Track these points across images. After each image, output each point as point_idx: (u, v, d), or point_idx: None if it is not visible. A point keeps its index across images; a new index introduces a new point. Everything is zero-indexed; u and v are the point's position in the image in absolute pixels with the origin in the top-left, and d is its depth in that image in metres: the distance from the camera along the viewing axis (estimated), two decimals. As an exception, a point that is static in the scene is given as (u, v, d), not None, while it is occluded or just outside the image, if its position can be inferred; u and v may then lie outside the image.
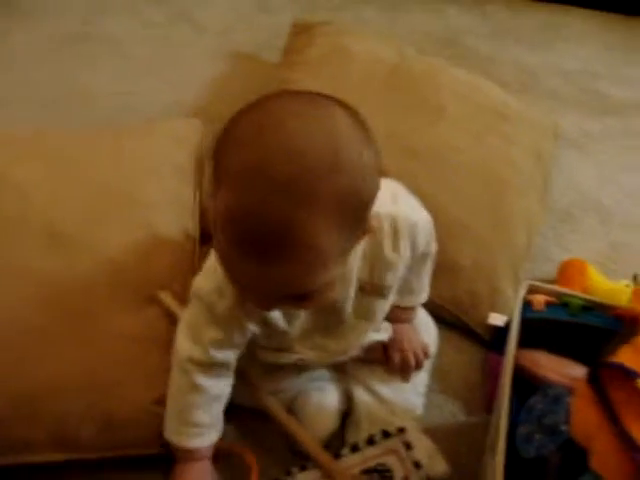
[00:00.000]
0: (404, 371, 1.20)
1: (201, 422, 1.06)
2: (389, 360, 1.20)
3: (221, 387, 1.07)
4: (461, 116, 1.56)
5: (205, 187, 1.42)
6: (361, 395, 1.19)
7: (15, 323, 1.14)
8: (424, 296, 1.21)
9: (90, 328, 1.15)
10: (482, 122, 1.57)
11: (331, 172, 0.74)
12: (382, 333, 1.17)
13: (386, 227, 0.98)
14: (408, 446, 1.10)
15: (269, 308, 0.92)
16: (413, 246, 1.03)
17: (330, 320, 1.07)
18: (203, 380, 1.04)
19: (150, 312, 1.19)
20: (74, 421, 1.09)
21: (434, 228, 1.11)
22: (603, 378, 0.87)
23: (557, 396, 0.95)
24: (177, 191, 1.37)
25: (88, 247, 1.23)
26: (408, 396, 1.20)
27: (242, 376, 1.13)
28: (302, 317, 1.03)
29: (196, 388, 1.04)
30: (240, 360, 1.10)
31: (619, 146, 1.81)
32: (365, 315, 1.08)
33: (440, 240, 1.15)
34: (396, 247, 1.00)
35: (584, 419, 0.88)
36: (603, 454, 0.84)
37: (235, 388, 1.11)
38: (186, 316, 1.05)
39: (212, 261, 0.99)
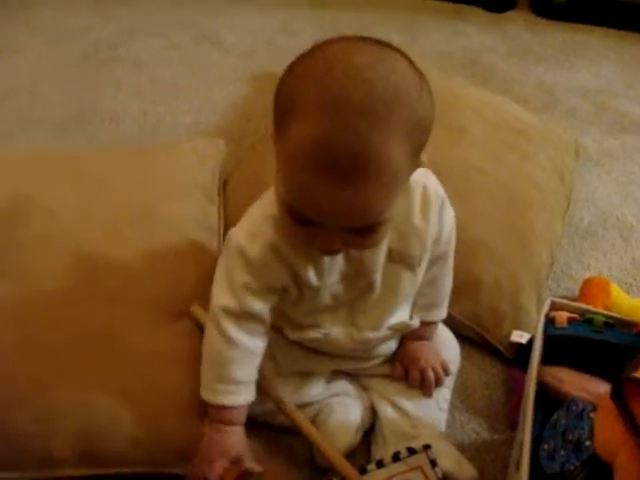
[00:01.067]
0: (425, 387, 1.20)
1: (236, 378, 1.06)
2: (409, 377, 1.20)
3: (255, 344, 1.07)
4: (483, 136, 1.58)
5: (232, 205, 1.44)
6: (385, 410, 1.19)
7: (39, 340, 1.15)
8: (443, 313, 1.21)
9: (114, 345, 1.16)
10: (504, 141, 1.58)
11: (399, 99, 0.80)
12: (413, 319, 1.17)
13: (417, 194, 1.01)
14: (433, 463, 1.11)
15: (333, 246, 0.92)
16: (441, 222, 1.05)
17: (359, 286, 1.06)
18: (237, 333, 1.05)
19: (174, 329, 1.21)
20: (97, 436, 1.09)
21: (456, 246, 1.12)
22: (626, 394, 0.87)
23: (581, 412, 0.96)
24: (201, 210, 1.39)
25: (114, 266, 1.25)
26: (431, 412, 1.20)
27: (268, 389, 1.14)
28: (333, 276, 1.03)
29: (230, 342, 1.05)
30: (266, 370, 1.12)
31: (638, 163, 1.82)
32: (392, 286, 1.08)
33: (463, 258, 1.16)
34: (425, 215, 1.02)
35: (608, 434, 0.88)
36: (627, 469, 0.84)
37: (260, 404, 1.13)
38: (220, 266, 1.07)
39: (247, 213, 1.04)
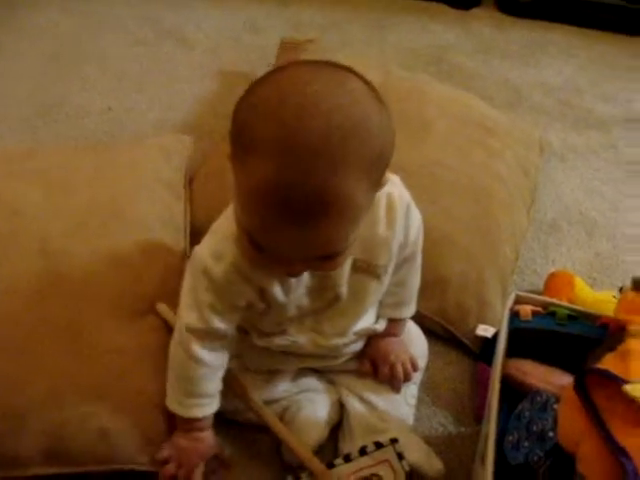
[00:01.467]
0: (393, 383, 1.21)
1: (204, 393, 1.08)
2: (378, 373, 1.21)
3: (221, 360, 1.09)
4: (448, 132, 1.58)
5: (198, 202, 1.44)
6: (354, 404, 1.19)
7: (4, 338, 1.14)
8: (412, 310, 1.22)
9: (81, 342, 1.15)
10: (468, 137, 1.59)
11: (357, 133, 0.78)
12: (378, 323, 1.17)
13: (381, 204, 1.00)
14: (400, 456, 1.11)
15: (295, 271, 0.92)
16: (406, 227, 1.05)
17: (326, 296, 1.07)
18: (202, 352, 1.05)
19: (140, 325, 1.20)
20: (65, 434, 1.09)
21: (422, 243, 1.13)
22: (589, 385, 0.89)
23: (544, 403, 0.97)
24: (167, 206, 1.39)
25: (79, 262, 1.24)
26: (399, 407, 1.21)
27: (235, 387, 1.14)
28: (299, 290, 1.03)
29: (197, 361, 1.05)
30: (232, 368, 1.13)
31: (603, 159, 1.85)
32: (358, 295, 1.08)
33: (428, 254, 1.17)
34: (391, 224, 1.01)
35: (571, 425, 0.89)
36: (590, 458, 0.85)
37: (227, 401, 1.13)
38: (185, 283, 1.06)
39: (212, 229, 1.03)
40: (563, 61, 2.18)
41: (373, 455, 1.12)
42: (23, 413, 1.09)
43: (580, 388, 0.89)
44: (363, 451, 1.12)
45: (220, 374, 1.10)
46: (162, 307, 1.23)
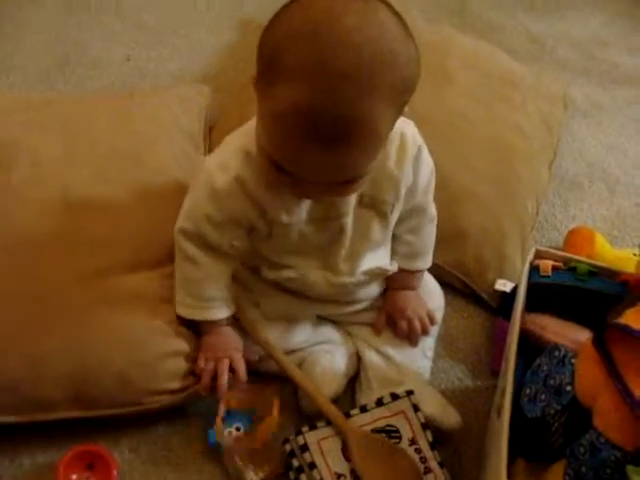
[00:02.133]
0: (411, 337, 1.21)
1: (205, 296, 1.11)
2: (396, 328, 1.21)
3: (217, 267, 1.11)
4: (470, 84, 1.56)
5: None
6: (371, 356, 1.20)
7: (28, 285, 1.15)
8: (427, 262, 1.22)
9: (103, 289, 1.16)
10: (491, 90, 1.57)
11: (386, 63, 0.81)
12: (390, 264, 1.17)
13: (394, 141, 1.01)
14: (416, 408, 1.12)
15: (311, 195, 0.96)
16: (416, 169, 1.06)
17: (330, 229, 1.07)
18: (196, 253, 1.08)
19: (161, 272, 1.20)
20: (88, 378, 1.10)
21: (441, 195, 1.12)
22: (608, 339, 0.89)
23: (562, 357, 0.97)
24: (187, 155, 1.39)
25: (100, 210, 1.24)
26: (416, 359, 1.22)
27: (255, 335, 1.16)
28: (301, 214, 1.04)
29: (192, 261, 1.09)
30: (252, 315, 1.16)
31: (627, 116, 1.82)
32: (363, 232, 1.09)
33: (448, 207, 1.17)
34: (400, 163, 1.03)
35: (589, 379, 0.89)
36: (606, 413, 0.86)
37: (247, 347, 1.15)
38: (189, 190, 1.10)
39: (225, 141, 1.06)
40: (589, 14, 2.14)
41: (389, 406, 1.13)
42: (45, 358, 1.10)
43: (599, 343, 0.89)
44: (380, 402, 1.13)
45: (220, 281, 1.12)
46: None
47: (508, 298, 1.25)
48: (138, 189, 1.29)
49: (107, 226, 1.23)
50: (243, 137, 1.00)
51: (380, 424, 1.12)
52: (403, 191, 1.06)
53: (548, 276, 1.13)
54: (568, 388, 0.93)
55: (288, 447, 1.10)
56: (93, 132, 1.37)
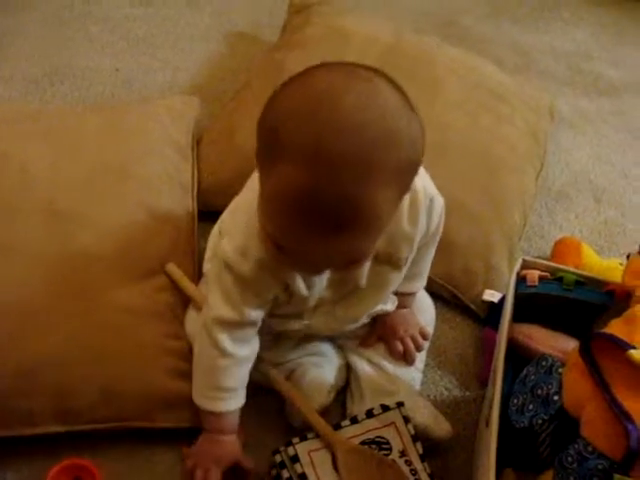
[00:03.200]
0: (407, 357, 1.21)
1: (228, 386, 1.07)
2: (390, 348, 1.21)
3: (250, 350, 1.08)
4: (457, 95, 1.57)
5: (205, 163, 1.44)
6: (363, 367, 1.21)
7: (15, 296, 1.15)
8: (423, 283, 1.22)
9: (88, 300, 1.16)
10: (478, 101, 1.58)
11: (389, 145, 0.78)
12: (389, 304, 1.17)
13: (405, 199, 0.97)
14: (406, 420, 1.12)
15: (318, 272, 0.94)
16: (429, 221, 1.04)
17: (346, 287, 1.07)
18: (231, 344, 1.04)
19: (149, 285, 1.21)
20: (75, 393, 1.10)
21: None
22: (594, 349, 0.89)
23: (550, 367, 0.97)
24: (175, 167, 1.39)
25: (87, 222, 1.24)
26: (407, 371, 1.22)
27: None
28: (321, 284, 1.04)
29: (224, 352, 1.05)
30: None
31: (613, 126, 1.83)
32: (377, 285, 1.08)
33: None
34: (413, 219, 1.01)
35: (576, 389, 0.90)
36: (593, 422, 0.86)
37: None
38: (213, 279, 1.06)
39: (234, 224, 1.02)
40: (574, 26, 2.15)
41: (379, 418, 1.13)
42: (31, 372, 1.10)
43: (586, 352, 0.89)
44: (370, 413, 1.13)
45: (245, 367, 1.09)
46: (171, 267, 1.24)
47: (496, 308, 1.26)
48: (125, 201, 1.29)
49: (94, 238, 1.23)
50: (252, 216, 0.92)
51: (370, 436, 1.12)
52: (417, 241, 1.05)
53: (535, 286, 1.14)
54: (555, 398, 0.93)
55: (278, 458, 1.10)
56: (81, 143, 1.38)
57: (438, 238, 1.14)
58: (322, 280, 1.03)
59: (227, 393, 1.08)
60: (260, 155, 0.83)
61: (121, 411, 1.12)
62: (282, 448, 1.10)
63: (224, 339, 1.04)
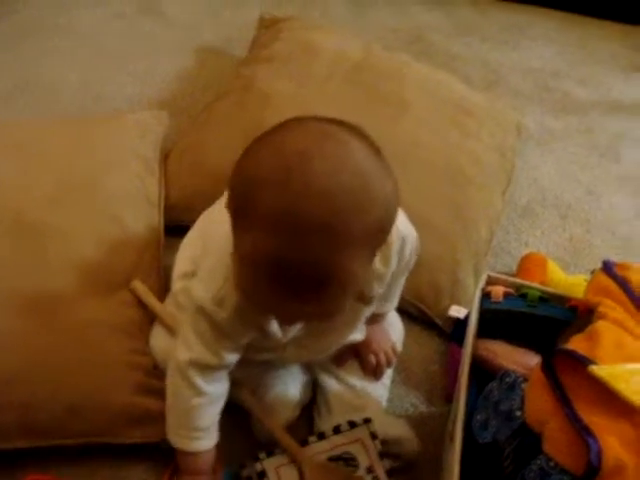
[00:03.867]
0: (377, 371, 1.22)
1: (202, 426, 1.06)
2: (363, 362, 1.22)
3: (223, 387, 1.08)
4: (425, 111, 1.58)
5: (173, 178, 1.44)
6: (331, 383, 1.21)
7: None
8: (395, 304, 1.22)
9: (53, 315, 1.16)
10: (446, 117, 1.59)
11: (360, 210, 0.77)
12: (358, 335, 1.18)
13: None
14: (373, 436, 1.12)
15: (292, 324, 0.96)
16: (400, 258, 1.04)
17: (318, 327, 1.07)
18: (205, 384, 1.04)
19: (115, 299, 1.21)
20: (40, 408, 1.09)
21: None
22: (556, 365, 0.90)
23: (513, 383, 0.97)
24: (142, 182, 1.39)
25: (54, 236, 1.24)
26: (375, 387, 1.22)
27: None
28: (297, 328, 1.04)
29: (200, 392, 1.04)
30: None
31: (579, 144, 1.85)
32: (349, 320, 1.10)
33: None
34: (385, 261, 1.00)
35: (538, 405, 0.90)
36: (556, 438, 0.86)
37: None
38: (186, 323, 1.04)
39: (209, 269, 1.00)
40: (542, 44, 2.18)
41: (346, 434, 1.13)
42: (-2, 386, 1.08)
43: (548, 368, 0.90)
44: (337, 429, 1.13)
45: (219, 405, 1.08)
46: (136, 284, 1.23)
47: (461, 324, 1.26)
48: (92, 215, 1.29)
49: (60, 251, 1.22)
50: (226, 263, 0.92)
51: (337, 452, 1.11)
52: (389, 278, 1.05)
53: (499, 302, 1.14)
54: (518, 413, 0.93)
55: (245, 472, 1.10)
56: (48, 156, 1.37)
57: (411, 268, 1.15)
58: (296, 326, 1.03)
59: (202, 432, 1.07)
60: (233, 214, 0.83)
61: (86, 426, 1.11)
62: (249, 463, 1.10)
63: (199, 380, 1.03)
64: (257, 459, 1.09)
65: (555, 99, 1.98)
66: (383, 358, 1.21)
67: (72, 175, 1.34)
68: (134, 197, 1.35)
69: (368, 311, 1.11)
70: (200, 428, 1.07)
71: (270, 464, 1.09)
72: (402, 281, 1.18)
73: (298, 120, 0.82)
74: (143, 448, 1.14)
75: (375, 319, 1.21)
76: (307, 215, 0.75)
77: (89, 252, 1.24)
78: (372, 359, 1.21)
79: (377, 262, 0.98)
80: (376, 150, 0.82)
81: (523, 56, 2.12)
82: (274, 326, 1.01)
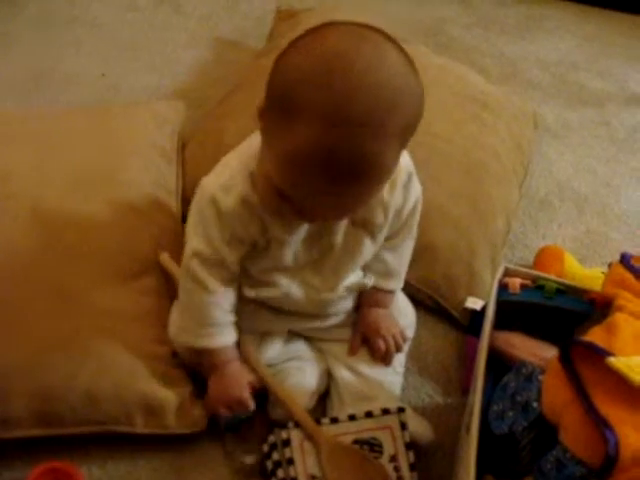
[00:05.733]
0: (386, 356, 1.22)
1: (214, 321, 1.10)
2: (372, 346, 1.21)
3: (227, 294, 1.10)
4: (443, 104, 1.58)
5: (191, 167, 1.45)
6: (342, 373, 1.20)
7: (-4, 298, 1.15)
8: (400, 283, 1.23)
9: (72, 302, 1.16)
10: (463, 110, 1.59)
11: (398, 104, 0.84)
12: (366, 278, 1.18)
13: None
14: (403, 426, 1.12)
15: (315, 220, 0.99)
16: (405, 195, 1.08)
17: (320, 246, 1.09)
18: (208, 278, 1.07)
19: (134, 287, 1.21)
20: (54, 396, 1.09)
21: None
22: (574, 357, 0.90)
23: (530, 374, 0.98)
24: (160, 170, 1.40)
25: (72, 225, 1.25)
26: (387, 375, 1.22)
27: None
28: (300, 234, 1.06)
29: (203, 285, 1.07)
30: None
31: (595, 136, 1.85)
32: (351, 250, 1.10)
33: (419, 224, 1.17)
34: (391, 189, 1.05)
35: (555, 396, 0.90)
36: (572, 429, 0.87)
37: None
38: (193, 213, 1.08)
39: (222, 163, 1.06)
40: (559, 37, 2.18)
41: (377, 419, 1.13)
42: (10, 374, 1.09)
43: (565, 360, 0.90)
44: (369, 414, 1.13)
45: (230, 306, 1.11)
46: (165, 257, 1.25)
47: (478, 316, 1.26)
48: (110, 203, 1.29)
49: (78, 240, 1.23)
50: (243, 158, 1.02)
51: (364, 435, 1.11)
52: (391, 214, 1.08)
53: (517, 294, 1.14)
54: (535, 405, 0.93)
55: (272, 438, 1.10)
56: (66, 146, 1.38)
57: (414, 232, 1.17)
58: (300, 231, 1.05)
59: (219, 327, 1.11)
60: (271, 116, 0.88)
61: (102, 415, 1.11)
62: (277, 430, 1.10)
63: (203, 273, 1.07)
64: (285, 427, 1.10)
65: (572, 91, 1.98)
66: (392, 342, 1.21)
67: (90, 164, 1.35)
68: (152, 186, 1.35)
69: (370, 247, 1.12)
70: (216, 324, 1.10)
71: (296, 435, 1.10)
72: (406, 255, 1.20)
73: (332, 24, 0.88)
74: (159, 438, 1.14)
75: (383, 301, 1.22)
76: (351, 109, 0.81)
77: (107, 241, 1.25)
78: (381, 344, 1.20)
79: (384, 189, 1.03)
80: (406, 53, 0.88)
81: (540, 49, 2.12)
82: (278, 226, 1.03)
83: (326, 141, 0.81)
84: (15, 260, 1.19)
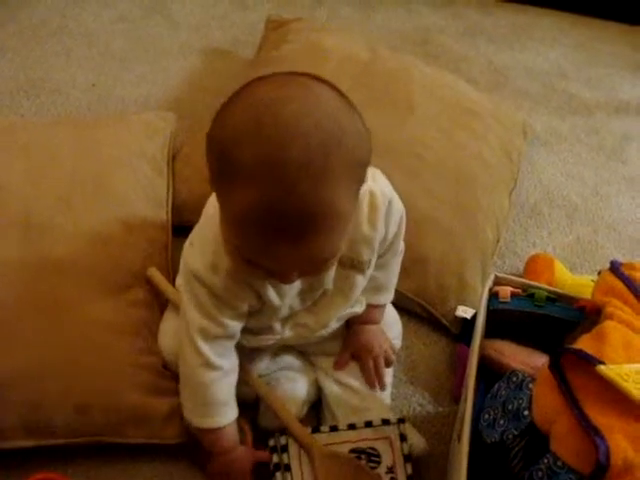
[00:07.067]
0: (378, 377, 1.21)
1: (218, 400, 1.08)
2: (363, 366, 1.21)
3: (230, 363, 1.09)
4: (432, 113, 1.58)
5: (181, 178, 1.44)
6: (331, 387, 1.20)
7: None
8: (390, 296, 1.22)
9: (62, 315, 1.16)
10: (452, 119, 1.59)
11: (335, 144, 0.78)
12: (357, 307, 1.17)
13: (364, 203, 1.00)
14: (403, 437, 1.12)
15: (289, 280, 0.93)
16: (387, 222, 1.05)
17: (315, 293, 1.08)
18: (213, 356, 1.05)
19: (123, 299, 1.21)
20: (46, 407, 1.09)
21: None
22: (564, 364, 0.90)
23: (520, 382, 0.98)
24: (150, 182, 1.39)
25: (62, 236, 1.24)
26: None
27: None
28: (292, 292, 1.05)
29: (207, 362, 1.05)
30: None
31: (585, 145, 1.85)
32: (344, 289, 1.09)
33: (410, 234, 1.17)
34: (372, 222, 1.02)
35: (545, 404, 0.91)
36: (563, 437, 0.87)
37: None
38: (186, 294, 1.06)
39: (201, 237, 1.03)
40: (549, 46, 2.19)
41: (377, 429, 1.13)
42: (1, 386, 1.09)
43: (555, 368, 0.90)
44: (369, 424, 1.13)
45: (232, 379, 1.09)
46: (153, 271, 1.25)
47: (469, 324, 1.27)
48: (100, 215, 1.29)
49: (68, 252, 1.22)
50: (216, 231, 0.94)
51: (363, 445, 1.11)
52: (377, 245, 1.06)
53: (507, 302, 1.15)
54: (526, 413, 0.93)
55: (272, 442, 1.11)
56: (57, 157, 1.38)
57: (400, 249, 1.16)
58: (293, 288, 1.03)
59: (220, 407, 1.08)
60: (214, 180, 0.84)
61: (95, 426, 1.11)
62: (277, 434, 1.11)
63: (207, 349, 1.04)
64: (284, 433, 1.10)
65: (561, 100, 1.99)
66: (382, 363, 1.21)
67: (80, 176, 1.34)
68: (142, 197, 1.35)
69: (362, 282, 1.10)
70: (217, 403, 1.08)
71: (294, 442, 1.10)
72: (396, 269, 1.19)
73: (259, 78, 0.84)
74: (151, 448, 1.14)
75: (374, 317, 1.22)
76: (286, 156, 0.76)
77: (97, 252, 1.25)
78: (371, 363, 1.20)
79: (365, 225, 1.01)
80: (340, 92, 0.84)
81: (529, 58, 2.13)
82: (270, 291, 1.01)
83: (265, 197, 0.76)
84: (7, 273, 1.19)
